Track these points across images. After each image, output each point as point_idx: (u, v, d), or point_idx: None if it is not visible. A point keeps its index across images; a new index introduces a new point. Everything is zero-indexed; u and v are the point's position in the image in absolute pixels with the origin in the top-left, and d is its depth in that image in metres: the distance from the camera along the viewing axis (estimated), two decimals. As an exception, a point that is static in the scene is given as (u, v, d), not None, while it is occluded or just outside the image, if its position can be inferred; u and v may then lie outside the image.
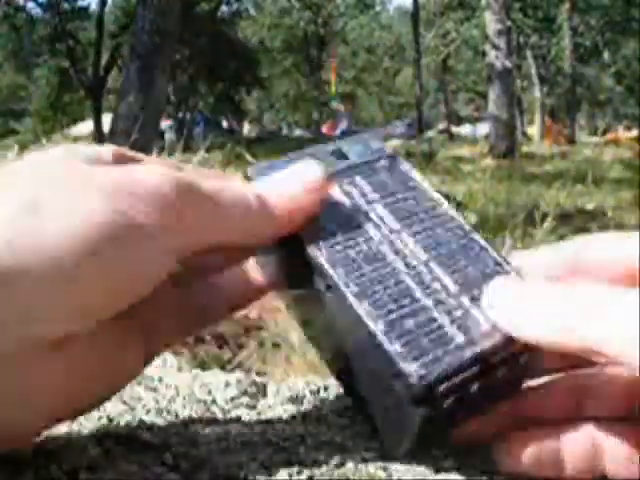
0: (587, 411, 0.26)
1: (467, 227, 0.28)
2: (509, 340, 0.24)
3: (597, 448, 0.25)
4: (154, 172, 0.25)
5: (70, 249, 0.22)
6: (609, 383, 0.26)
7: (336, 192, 0.29)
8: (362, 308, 0.26)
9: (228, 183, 0.27)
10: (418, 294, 0.26)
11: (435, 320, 0.25)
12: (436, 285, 0.26)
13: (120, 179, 0.24)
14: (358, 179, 0.30)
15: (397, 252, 0.27)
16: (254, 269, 0.31)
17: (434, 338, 0.25)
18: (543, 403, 0.27)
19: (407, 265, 0.27)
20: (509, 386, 0.27)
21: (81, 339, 0.24)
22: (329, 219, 0.28)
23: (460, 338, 0.25)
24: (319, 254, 0.27)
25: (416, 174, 0.30)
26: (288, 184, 0.27)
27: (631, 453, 0.25)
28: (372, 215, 0.28)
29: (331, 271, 0.26)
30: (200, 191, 0.25)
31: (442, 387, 0.24)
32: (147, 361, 0.28)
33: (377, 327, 0.25)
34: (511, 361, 0.25)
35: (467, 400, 0.25)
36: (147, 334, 0.28)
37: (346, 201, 0.29)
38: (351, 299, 0.26)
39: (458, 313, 0.25)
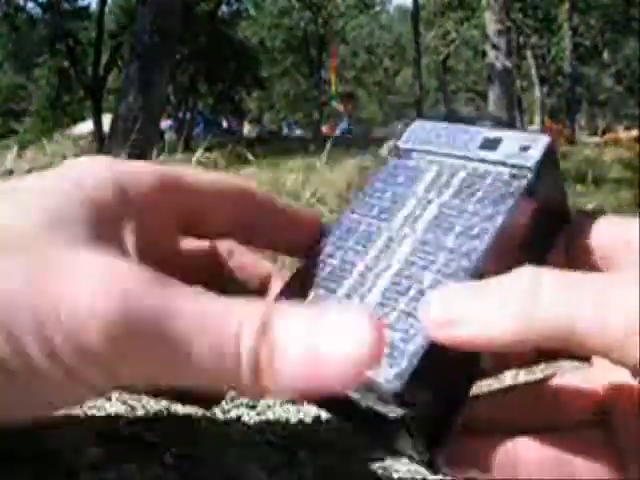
0: (550, 420, 0.25)
1: (478, 270, 0.25)
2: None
3: (559, 458, 0.24)
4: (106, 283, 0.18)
5: None
6: (575, 391, 0.25)
7: (422, 181, 0.28)
8: (309, 266, 0.27)
9: (213, 313, 0.19)
10: (344, 287, 0.26)
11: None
12: (365, 290, 0.25)
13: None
14: (460, 175, 0.28)
15: (387, 247, 0.26)
16: None
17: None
18: (501, 409, 0.26)
19: (376, 260, 0.26)
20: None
21: None
22: (381, 188, 0.29)
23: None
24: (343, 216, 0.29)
25: (511, 201, 0.26)
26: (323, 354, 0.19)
27: (600, 464, 0.24)
28: (416, 208, 0.27)
29: (334, 226, 0.28)
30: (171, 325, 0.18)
31: None
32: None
33: (292, 285, 0.27)
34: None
35: None
36: None
37: (413, 185, 0.28)
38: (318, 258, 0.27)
39: None
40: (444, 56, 19.48)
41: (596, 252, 0.25)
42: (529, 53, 17.49)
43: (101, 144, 7.94)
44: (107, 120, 7.78)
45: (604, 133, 18.13)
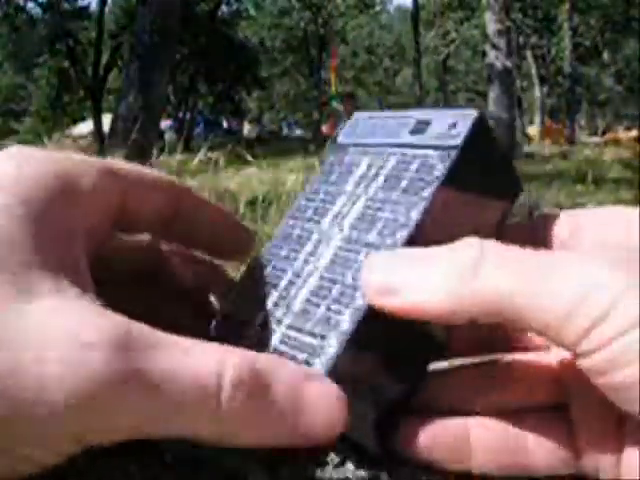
0: (497, 403, 0.24)
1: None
2: None
3: (512, 440, 0.23)
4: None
5: None
6: (520, 372, 0.25)
7: (353, 175, 0.27)
8: (247, 279, 0.27)
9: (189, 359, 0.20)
10: (273, 297, 0.25)
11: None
12: (286, 291, 0.25)
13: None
14: (388, 165, 0.26)
15: (315, 249, 0.26)
16: None
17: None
18: (446, 395, 0.25)
19: (304, 265, 0.25)
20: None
21: None
22: (315, 189, 0.28)
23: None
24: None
25: (434, 185, 0.24)
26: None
27: (554, 446, 0.23)
28: (344, 205, 0.26)
29: (275, 235, 0.28)
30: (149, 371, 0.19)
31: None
32: None
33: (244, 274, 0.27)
34: None
35: None
36: None
37: (344, 182, 0.27)
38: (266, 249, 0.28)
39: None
40: (444, 56, 19.50)
41: (559, 246, 0.25)
42: (529, 53, 17.50)
43: (101, 144, 7.95)
44: (107, 120, 7.79)
45: (604, 133, 18.15)
